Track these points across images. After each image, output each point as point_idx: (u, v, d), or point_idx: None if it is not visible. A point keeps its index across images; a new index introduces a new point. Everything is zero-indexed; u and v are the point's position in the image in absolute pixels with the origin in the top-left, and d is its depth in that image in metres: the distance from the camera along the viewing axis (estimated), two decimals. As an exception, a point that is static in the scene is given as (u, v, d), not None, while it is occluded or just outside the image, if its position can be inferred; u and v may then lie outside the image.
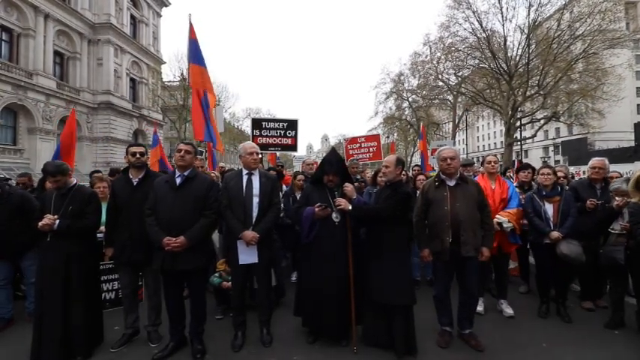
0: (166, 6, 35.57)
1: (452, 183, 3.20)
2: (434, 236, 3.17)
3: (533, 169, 4.91)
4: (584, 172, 19.43)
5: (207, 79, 5.87)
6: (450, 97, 28.40)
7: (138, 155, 3.24)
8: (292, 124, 6.89)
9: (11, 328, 3.65)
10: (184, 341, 3.14)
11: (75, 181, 3.19)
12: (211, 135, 5.77)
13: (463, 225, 3.05)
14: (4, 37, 21.37)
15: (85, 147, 25.88)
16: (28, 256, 3.68)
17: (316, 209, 3.12)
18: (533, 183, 4.73)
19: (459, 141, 50.39)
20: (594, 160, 4.17)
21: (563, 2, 19.27)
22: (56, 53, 24.46)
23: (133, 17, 31.16)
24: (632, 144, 22.22)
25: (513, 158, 16.86)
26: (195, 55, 5.61)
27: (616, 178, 4.50)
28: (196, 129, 5.67)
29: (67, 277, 2.93)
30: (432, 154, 8.23)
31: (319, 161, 3.79)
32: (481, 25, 20.41)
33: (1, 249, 3.50)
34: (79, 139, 25.49)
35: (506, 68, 20.01)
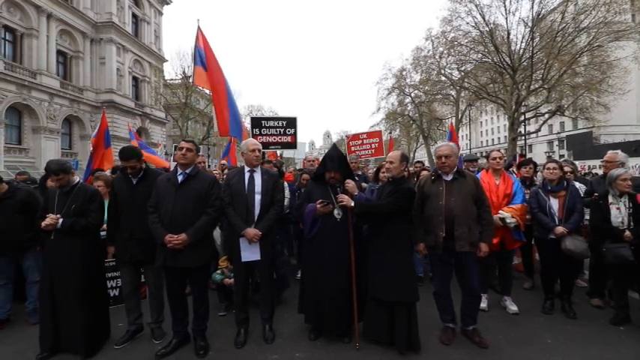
0: (168, 4, 35.54)
1: (449, 178, 3.19)
2: (428, 230, 3.17)
3: (535, 164, 4.86)
4: (588, 167, 19.32)
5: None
6: (453, 92, 28.20)
7: None
8: (291, 122, 6.97)
9: (7, 329, 3.56)
10: (187, 338, 3.15)
11: (78, 179, 3.21)
12: (238, 128, 6.26)
13: (457, 220, 3.04)
14: (7, 37, 21.47)
15: (89, 145, 26.02)
16: (29, 256, 3.69)
17: (318, 206, 3.11)
18: (535, 178, 4.68)
19: (462, 136, 50.07)
20: (607, 154, 4.12)
21: (568, -6, 19.05)
22: (59, 53, 24.57)
23: (134, 16, 31.19)
24: (638, 138, 22.03)
25: (517, 153, 16.71)
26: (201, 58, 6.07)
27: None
28: (221, 126, 6.05)
29: (72, 274, 2.94)
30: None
31: (321, 158, 3.78)
32: (484, 18, 20.24)
33: (3, 245, 3.51)
34: (83, 137, 25.66)
35: (509, 62, 19.83)
